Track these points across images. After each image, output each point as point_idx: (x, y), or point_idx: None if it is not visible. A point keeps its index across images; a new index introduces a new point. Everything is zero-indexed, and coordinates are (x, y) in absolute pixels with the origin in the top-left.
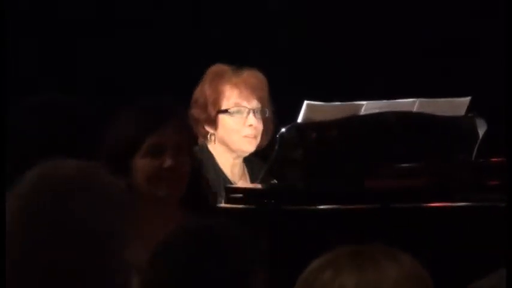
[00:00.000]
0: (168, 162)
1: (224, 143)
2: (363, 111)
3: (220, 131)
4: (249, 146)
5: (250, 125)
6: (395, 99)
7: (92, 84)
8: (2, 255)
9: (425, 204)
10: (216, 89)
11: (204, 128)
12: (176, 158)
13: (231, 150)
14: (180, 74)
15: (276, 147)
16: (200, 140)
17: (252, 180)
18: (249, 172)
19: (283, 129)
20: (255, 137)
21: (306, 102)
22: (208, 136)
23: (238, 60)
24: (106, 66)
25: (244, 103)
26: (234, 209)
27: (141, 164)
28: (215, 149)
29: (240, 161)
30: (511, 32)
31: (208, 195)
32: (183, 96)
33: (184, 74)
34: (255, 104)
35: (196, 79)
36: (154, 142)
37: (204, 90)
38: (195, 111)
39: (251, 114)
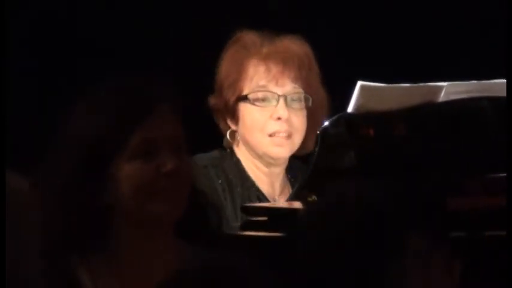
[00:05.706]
0: (168, 165)
1: (248, 145)
2: (442, 97)
3: (241, 128)
4: (278, 150)
5: (279, 118)
6: (488, 78)
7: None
8: (2, 255)
9: None
10: (236, 65)
11: (225, 122)
12: (175, 159)
13: (257, 155)
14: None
15: (316, 148)
16: (224, 141)
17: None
18: (292, 186)
19: (326, 123)
20: (288, 136)
21: (359, 84)
22: (228, 134)
23: (276, 27)
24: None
25: (272, 86)
26: (253, 238)
27: (129, 170)
28: (242, 153)
29: (279, 170)
30: (510, 31)
31: (211, 217)
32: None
33: (185, 45)
34: (289, 87)
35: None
36: (143, 138)
37: (222, 68)
38: (211, 98)
39: (281, 103)
